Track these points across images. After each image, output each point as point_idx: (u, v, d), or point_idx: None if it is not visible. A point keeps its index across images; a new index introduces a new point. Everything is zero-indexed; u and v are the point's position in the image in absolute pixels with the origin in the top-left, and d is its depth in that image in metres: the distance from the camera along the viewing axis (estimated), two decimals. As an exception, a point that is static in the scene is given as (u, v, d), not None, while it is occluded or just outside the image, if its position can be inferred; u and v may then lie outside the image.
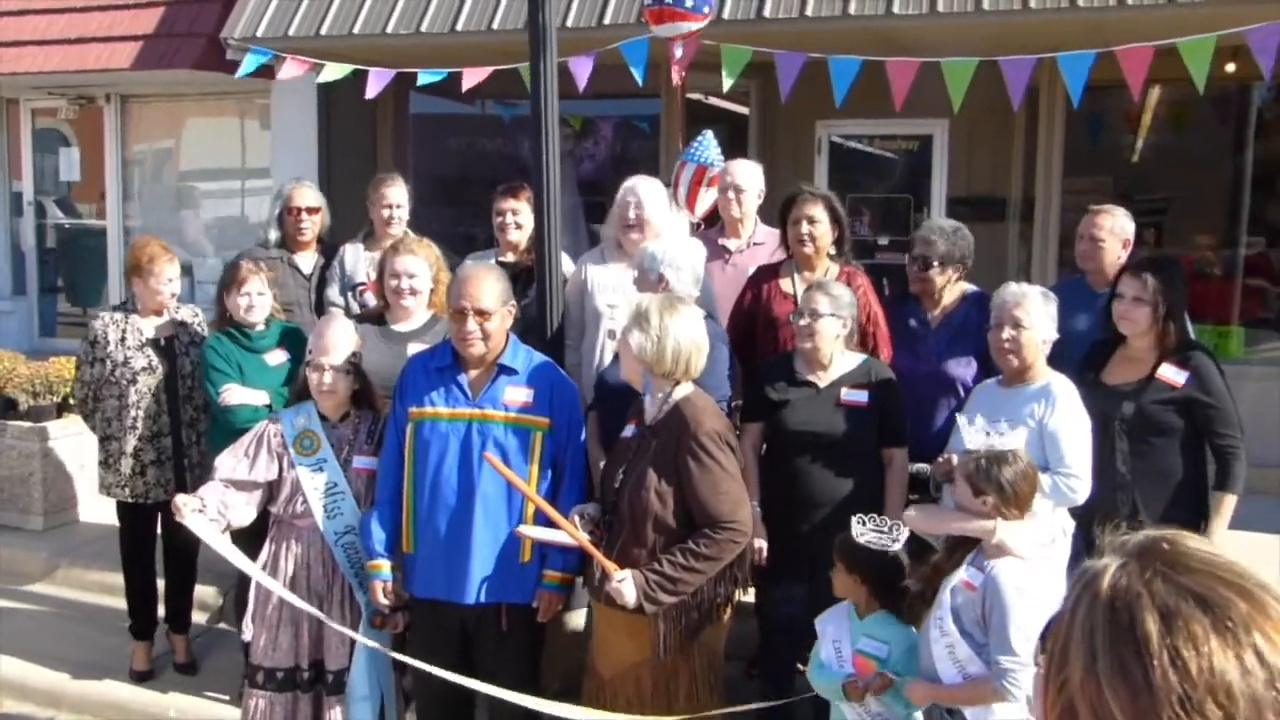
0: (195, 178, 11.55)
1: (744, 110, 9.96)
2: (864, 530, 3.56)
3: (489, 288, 3.93)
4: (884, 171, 9.99)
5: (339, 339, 4.21)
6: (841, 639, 3.65)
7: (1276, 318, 8.93)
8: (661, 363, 3.69)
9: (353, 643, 4.19)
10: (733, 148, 9.80)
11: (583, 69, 6.27)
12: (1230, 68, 7.52)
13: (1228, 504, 4.14)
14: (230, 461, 4.24)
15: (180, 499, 4.08)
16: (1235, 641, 1.08)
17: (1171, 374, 4.13)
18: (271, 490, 4.25)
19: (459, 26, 7.75)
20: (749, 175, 5.34)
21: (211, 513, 4.12)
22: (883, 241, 9.72)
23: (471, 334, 3.90)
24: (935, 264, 4.72)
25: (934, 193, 9.42)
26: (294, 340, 4.97)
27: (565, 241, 4.92)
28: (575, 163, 10.26)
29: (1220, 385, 4.14)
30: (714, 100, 9.95)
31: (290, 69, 7.14)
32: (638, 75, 6.20)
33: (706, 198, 5.91)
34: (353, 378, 4.24)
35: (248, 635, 4.26)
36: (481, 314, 3.89)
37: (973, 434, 3.39)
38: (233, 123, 11.22)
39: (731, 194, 5.29)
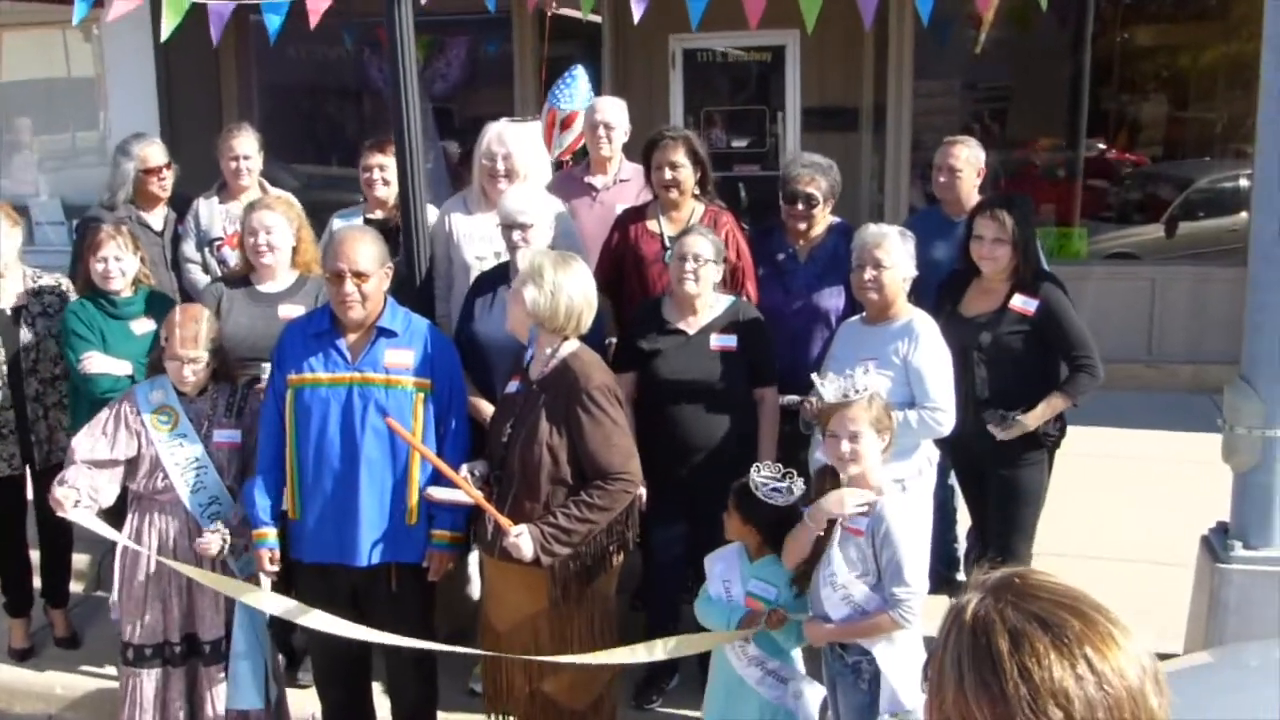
0: (21, 111, 10.99)
1: (597, 19, 9.84)
2: (762, 481, 3.69)
3: (365, 249, 3.90)
4: (739, 82, 10.05)
5: (198, 330, 4.14)
6: (731, 578, 3.79)
7: (1116, 216, 9.34)
8: (555, 318, 3.75)
9: (229, 610, 4.20)
10: (586, 61, 9.76)
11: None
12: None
13: (1055, 401, 4.35)
14: (88, 442, 4.16)
15: (59, 493, 4.03)
16: (1070, 654, 1.31)
17: (1022, 303, 4.35)
18: (129, 467, 4.19)
19: (298, -48, 7.44)
20: (617, 113, 5.32)
21: (85, 499, 4.06)
22: (738, 143, 9.83)
23: (349, 296, 3.88)
24: (820, 202, 4.79)
25: (788, 103, 9.53)
26: (162, 307, 4.85)
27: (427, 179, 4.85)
28: (428, 85, 10.04)
29: (1069, 310, 4.37)
30: (566, 11, 9.83)
31: (120, 5, 6.78)
32: (489, 3, 6.07)
33: (562, 140, 5.86)
34: (212, 362, 4.19)
35: (115, 614, 4.25)
36: (359, 276, 3.87)
37: (829, 390, 3.47)
38: (60, 58, 10.68)
39: (601, 131, 5.25)
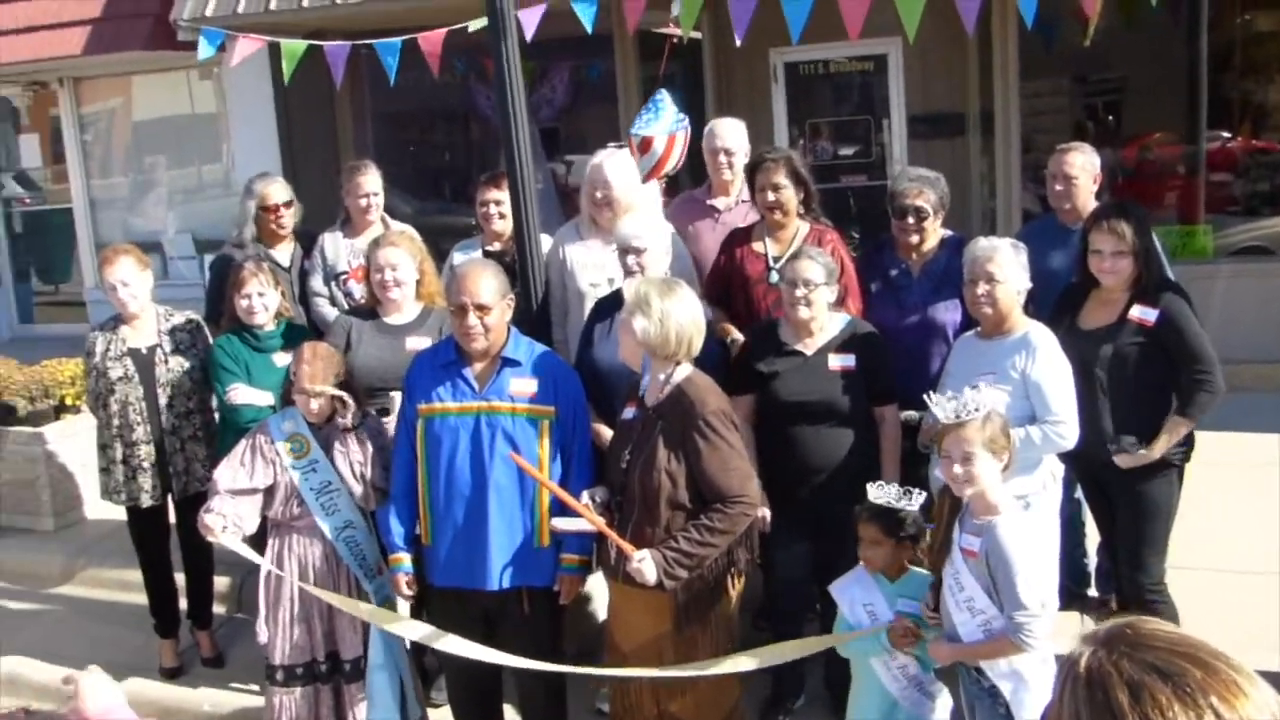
0: (151, 150, 11.50)
1: (697, 36, 9.92)
2: (882, 495, 3.72)
3: (487, 283, 4.02)
4: (842, 93, 10.01)
5: (325, 367, 4.33)
6: (874, 601, 3.79)
7: (1243, 209, 9.02)
8: (665, 345, 3.81)
9: (366, 628, 4.37)
10: (688, 78, 9.84)
11: (530, 24, 6.23)
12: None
13: (1178, 427, 4.25)
14: (229, 473, 4.37)
15: (207, 520, 4.25)
16: (1194, 704, 1.27)
17: (1141, 314, 4.24)
18: (267, 495, 4.39)
19: (409, -9, 7.70)
20: (737, 137, 5.36)
21: (230, 525, 4.28)
22: (844, 153, 9.80)
23: (473, 329, 4.00)
24: (930, 215, 4.78)
25: (892, 112, 9.48)
26: (300, 339, 5.08)
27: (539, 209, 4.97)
28: (534, 109, 10.23)
29: (1190, 321, 4.24)
30: (665, 31, 9.92)
31: (243, 48, 7.08)
32: (587, 25, 6.16)
33: (643, 165, 5.90)
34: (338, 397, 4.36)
35: (263, 638, 4.45)
36: (481, 309, 3.99)
37: (943, 410, 3.45)
38: (184, 95, 11.15)
39: (722, 158, 5.32)
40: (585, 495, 3.96)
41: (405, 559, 4.22)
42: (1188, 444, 4.37)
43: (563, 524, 3.95)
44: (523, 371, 4.09)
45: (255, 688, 5.34)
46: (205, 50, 7.12)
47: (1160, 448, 4.24)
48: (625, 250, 4.49)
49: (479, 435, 4.05)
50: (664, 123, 5.50)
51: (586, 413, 4.23)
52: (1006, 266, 4.11)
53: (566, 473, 4.08)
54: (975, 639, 3.45)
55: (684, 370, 3.88)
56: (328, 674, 4.48)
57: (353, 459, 4.34)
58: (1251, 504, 5.93)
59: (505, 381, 4.08)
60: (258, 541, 4.62)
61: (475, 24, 5.51)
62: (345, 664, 4.47)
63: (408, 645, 4.46)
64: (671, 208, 5.49)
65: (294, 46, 6.80)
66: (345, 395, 4.34)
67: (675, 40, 5.71)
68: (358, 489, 4.35)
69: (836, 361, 4.35)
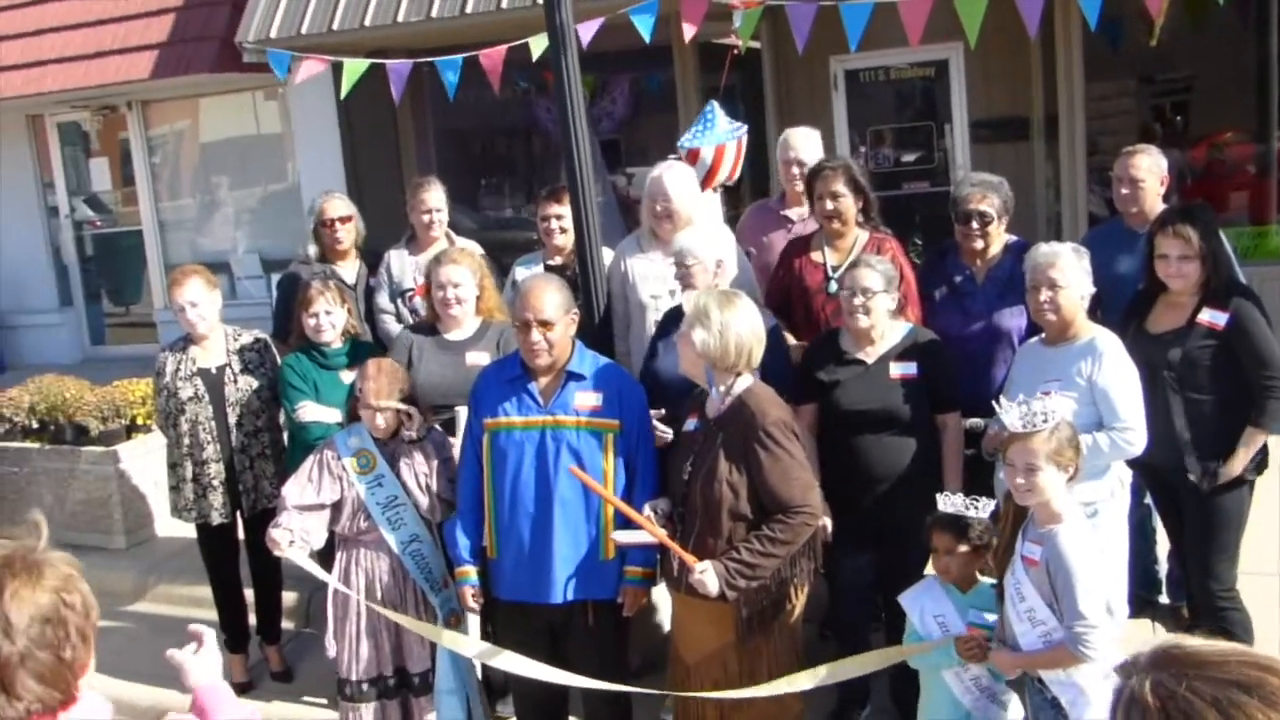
0: (218, 170, 11.71)
1: (756, 45, 9.89)
2: (950, 504, 3.70)
3: (550, 299, 4.03)
4: (903, 99, 9.94)
5: (388, 382, 4.37)
6: (945, 614, 3.75)
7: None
8: (725, 357, 3.80)
9: (433, 644, 4.40)
10: (748, 86, 9.83)
11: (587, 31, 6.25)
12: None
13: (1255, 439, 4.18)
14: (296, 489, 4.43)
15: (275, 534, 4.31)
16: None
17: (1210, 317, 4.18)
18: (334, 511, 4.44)
19: (468, 9, 7.78)
20: (809, 147, 5.36)
21: (298, 541, 4.34)
22: (907, 159, 9.73)
23: (537, 345, 4.02)
24: (994, 220, 4.74)
25: (955, 117, 9.38)
26: (368, 356, 5.13)
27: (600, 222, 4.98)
28: (595, 121, 10.27)
29: (1260, 325, 4.17)
30: (725, 41, 9.91)
31: (307, 69, 7.18)
32: (645, 35, 6.17)
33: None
34: (403, 412, 4.40)
35: (331, 652, 4.50)
36: (545, 325, 4.00)
37: (1011, 417, 3.42)
38: (250, 115, 11.33)
39: (795, 169, 5.33)
40: (647, 507, 3.97)
41: (471, 572, 4.24)
42: (1262, 454, 4.29)
43: (624, 536, 3.95)
44: (587, 385, 4.10)
45: (324, 701, 5.39)
46: (279, 73, 7.26)
47: (1240, 462, 4.18)
48: (678, 264, 4.51)
49: (544, 449, 4.06)
50: (714, 134, 5.51)
51: (650, 427, 4.22)
52: (1068, 272, 4.05)
53: (631, 485, 4.09)
54: (1035, 649, 3.42)
55: (745, 381, 3.87)
56: (395, 688, 4.52)
57: (418, 472, 4.38)
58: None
59: (570, 396, 4.09)
60: (325, 556, 4.67)
61: (536, 45, 5.53)
62: (414, 677, 4.50)
63: (477, 664, 4.48)
64: (744, 217, 5.49)
65: (355, 65, 6.89)
66: (410, 409, 4.38)
67: (736, 51, 5.68)
68: (424, 502, 4.39)
69: (898, 370, 4.32)
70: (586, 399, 4.08)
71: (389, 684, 4.50)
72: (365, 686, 4.46)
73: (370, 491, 4.38)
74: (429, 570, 4.44)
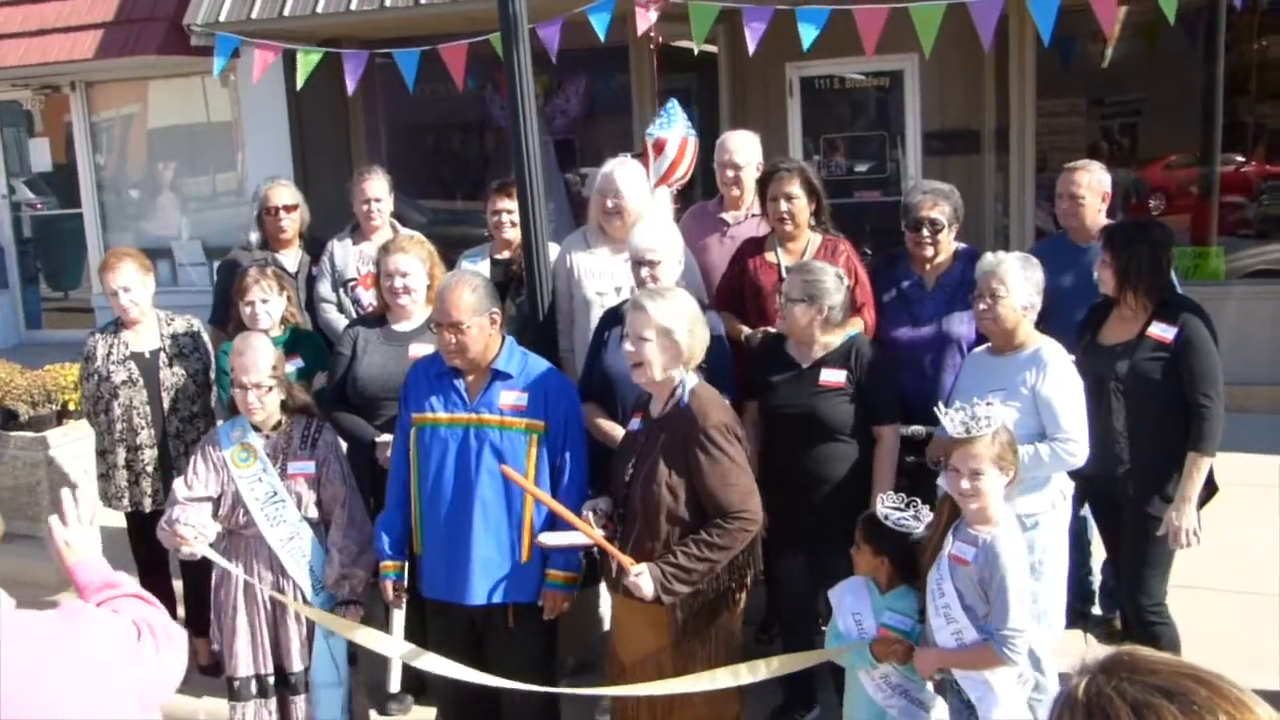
0: (165, 156, 11.52)
1: (712, 49, 9.90)
2: (888, 512, 3.68)
3: (460, 300, 3.96)
4: (858, 108, 10.00)
5: (258, 357, 4.27)
6: (862, 612, 3.76)
7: (1256, 233, 9.00)
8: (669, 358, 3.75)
9: (311, 640, 4.31)
10: (704, 91, 9.83)
11: (552, 39, 6.21)
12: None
13: (1199, 465, 4.18)
14: (183, 485, 4.33)
15: (182, 530, 4.16)
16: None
17: (1160, 330, 4.21)
18: (215, 505, 4.33)
19: (422, 0, 7.69)
20: (747, 150, 5.32)
21: (200, 535, 4.20)
22: (859, 169, 9.78)
23: (449, 345, 3.99)
24: (944, 227, 4.75)
25: (908, 128, 9.45)
26: (308, 344, 5.05)
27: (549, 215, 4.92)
28: (548, 120, 10.21)
29: (1208, 343, 4.19)
30: (682, 42, 9.91)
31: (262, 60, 7.03)
32: (600, 34, 6.12)
33: (658, 167, 5.83)
34: (278, 390, 4.31)
35: (216, 645, 4.41)
36: (455, 327, 3.95)
37: (952, 423, 3.44)
38: (199, 101, 11.16)
39: (730, 171, 5.29)
40: (586, 508, 3.91)
41: (393, 566, 4.18)
42: (1208, 484, 4.29)
43: (551, 539, 3.90)
44: (513, 384, 4.05)
45: (252, 696, 5.28)
46: (219, 62, 7.12)
47: (1193, 492, 4.17)
48: (639, 262, 4.47)
49: (466, 447, 4.01)
50: (678, 128, 5.48)
51: (581, 427, 4.17)
52: (1009, 281, 4.07)
53: (556, 488, 4.03)
54: (949, 646, 3.44)
55: (690, 381, 3.83)
56: (275, 688, 4.38)
57: (302, 469, 4.30)
58: (1256, 525, 5.89)
59: (495, 394, 4.04)
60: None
61: (497, 42, 5.47)
62: (291, 676, 4.36)
63: (396, 661, 4.38)
64: (684, 219, 5.45)
65: (310, 56, 6.78)
66: (288, 381, 4.32)
67: (657, 46, 5.63)
68: (307, 499, 4.30)
69: (826, 376, 4.31)
70: (512, 398, 4.03)
71: (268, 683, 4.37)
72: (248, 684, 4.34)
73: (250, 485, 4.27)
74: (310, 569, 4.31)
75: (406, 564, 4.25)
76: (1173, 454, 4.21)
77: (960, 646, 3.43)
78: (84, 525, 2.55)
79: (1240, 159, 9.05)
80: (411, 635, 4.35)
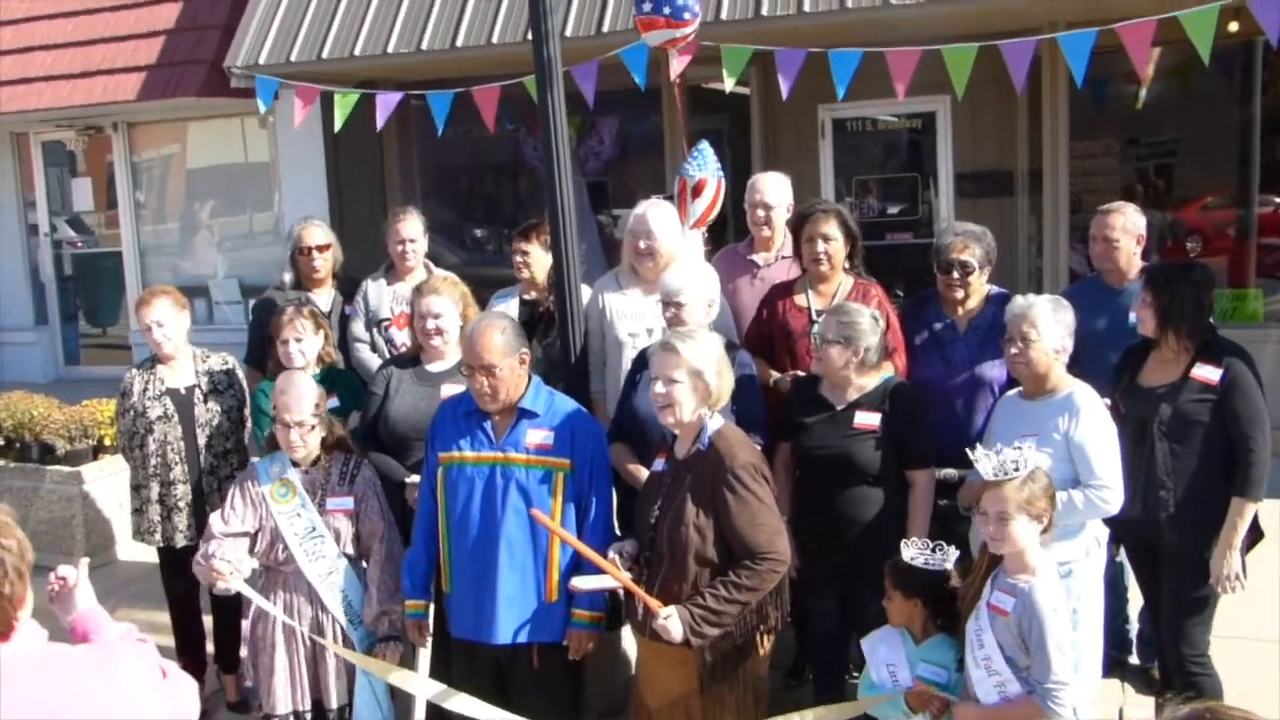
0: (203, 196, 11.68)
1: (744, 91, 9.95)
2: (913, 553, 3.63)
3: (489, 343, 3.97)
4: (889, 150, 10.00)
5: (301, 395, 4.29)
6: (897, 663, 3.67)
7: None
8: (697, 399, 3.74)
9: (351, 678, 4.30)
10: (735, 132, 9.87)
11: (588, 84, 6.26)
12: (1233, 27, 7.48)
13: (1244, 511, 4.12)
14: (219, 520, 4.34)
15: (218, 565, 4.17)
16: None
17: (1205, 372, 4.14)
18: (253, 539, 4.34)
19: (459, 42, 7.80)
20: (777, 191, 5.33)
21: (236, 569, 4.21)
22: (891, 211, 9.77)
23: (480, 388, 4.00)
24: (976, 270, 4.73)
25: (940, 170, 9.44)
26: (344, 383, 5.07)
27: (581, 257, 4.94)
28: (581, 162, 10.28)
29: (1253, 385, 4.13)
30: (715, 84, 9.97)
31: (302, 104, 7.08)
32: (639, 80, 6.17)
33: (694, 209, 5.86)
34: (320, 428, 4.33)
35: (249, 681, 4.39)
36: (487, 370, 3.96)
37: (985, 466, 3.39)
38: (237, 142, 11.32)
39: (761, 212, 5.31)
40: (612, 550, 3.90)
41: (420, 605, 4.19)
42: (1253, 530, 4.24)
43: (584, 583, 3.88)
44: (540, 423, 4.06)
45: (279, 734, 5.27)
46: (262, 104, 7.23)
47: (1237, 539, 4.12)
48: (667, 303, 4.48)
49: (493, 486, 4.02)
50: (711, 169, 5.52)
51: (607, 467, 4.17)
52: (1041, 325, 4.03)
53: (581, 528, 4.03)
54: (991, 700, 3.36)
55: (715, 423, 3.82)
56: None
57: (341, 505, 4.31)
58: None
59: (522, 433, 4.04)
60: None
61: (531, 85, 5.53)
62: (329, 713, 4.35)
63: (422, 701, 4.36)
64: (714, 260, 5.46)
65: (347, 97, 6.87)
66: (329, 418, 4.34)
67: (679, 84, 5.67)
68: (345, 534, 4.31)
69: (861, 419, 4.27)
70: (538, 437, 4.03)
71: (307, 719, 4.36)
72: None
73: (289, 521, 4.29)
74: (348, 604, 4.32)
75: (431, 604, 4.25)
76: (1216, 499, 4.14)
77: (1004, 700, 3.35)
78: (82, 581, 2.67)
79: (1278, 200, 8.96)
80: (436, 674, 4.34)
